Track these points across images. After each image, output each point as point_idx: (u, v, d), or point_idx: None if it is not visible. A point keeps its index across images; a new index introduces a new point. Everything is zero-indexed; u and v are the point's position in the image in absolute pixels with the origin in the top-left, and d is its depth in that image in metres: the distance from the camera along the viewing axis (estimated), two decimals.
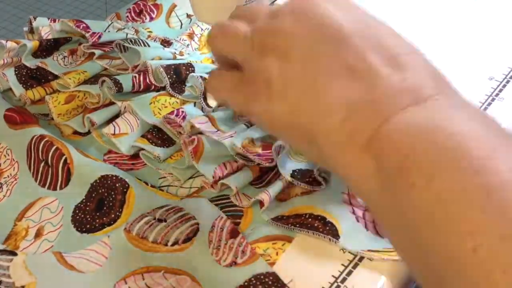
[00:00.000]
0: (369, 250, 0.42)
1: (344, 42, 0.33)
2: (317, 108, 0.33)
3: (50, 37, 0.63)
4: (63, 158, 0.51)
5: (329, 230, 0.43)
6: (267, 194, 0.45)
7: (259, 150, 0.47)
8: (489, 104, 0.52)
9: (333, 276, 0.41)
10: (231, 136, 0.48)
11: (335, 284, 0.41)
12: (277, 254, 0.43)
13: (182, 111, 0.52)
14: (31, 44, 0.60)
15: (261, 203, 0.45)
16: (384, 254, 0.41)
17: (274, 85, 0.34)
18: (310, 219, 0.44)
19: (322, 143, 0.33)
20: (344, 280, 0.41)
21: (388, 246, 0.42)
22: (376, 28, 0.34)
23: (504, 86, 0.53)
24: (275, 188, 0.46)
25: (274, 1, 0.53)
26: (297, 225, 0.44)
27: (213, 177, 0.47)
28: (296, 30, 0.34)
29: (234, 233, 0.45)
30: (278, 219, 0.45)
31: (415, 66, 0.33)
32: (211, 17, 0.50)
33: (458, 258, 0.26)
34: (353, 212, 0.45)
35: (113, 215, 0.47)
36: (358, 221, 0.44)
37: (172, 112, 0.52)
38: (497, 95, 0.53)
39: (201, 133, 0.50)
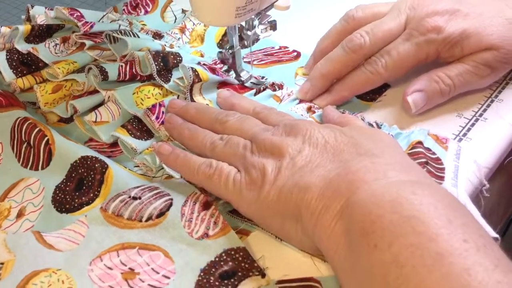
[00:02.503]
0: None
1: (326, 147, 0.41)
2: (300, 186, 0.39)
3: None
4: (45, 139, 0.52)
5: None
6: None
7: None
8: (488, 105, 0.52)
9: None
10: None
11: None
12: None
13: (163, 112, 0.53)
14: (23, 28, 0.61)
15: None
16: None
17: (267, 176, 0.41)
18: None
19: (304, 215, 0.39)
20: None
21: None
22: (351, 134, 0.42)
23: (503, 88, 0.54)
24: None
25: (274, 2, 0.53)
26: (251, 219, 0.45)
27: (181, 176, 0.48)
28: (290, 142, 0.43)
29: (207, 206, 0.45)
30: (235, 211, 0.46)
31: (384, 154, 0.39)
32: (212, 18, 0.50)
33: None
34: None
35: (91, 195, 0.48)
36: None
37: (153, 109, 0.52)
38: (496, 96, 0.53)
39: None
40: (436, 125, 0.50)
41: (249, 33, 0.55)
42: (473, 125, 0.50)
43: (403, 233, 0.32)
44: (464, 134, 0.49)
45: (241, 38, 0.56)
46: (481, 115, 0.51)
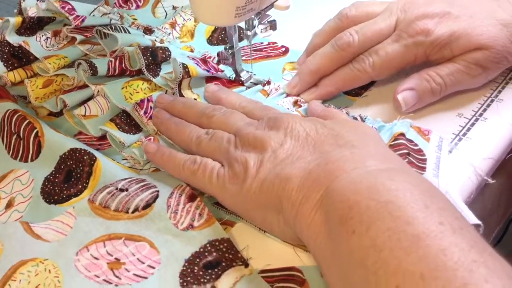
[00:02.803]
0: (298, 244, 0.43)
1: (307, 139, 0.42)
2: (281, 177, 0.40)
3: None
4: (35, 131, 0.53)
5: None
6: None
7: None
8: (488, 105, 0.52)
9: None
10: None
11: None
12: None
13: (151, 107, 0.53)
14: (14, 20, 0.62)
15: None
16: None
17: (250, 170, 0.42)
18: None
19: (285, 206, 0.39)
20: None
21: None
22: (332, 126, 0.43)
23: (503, 87, 0.54)
24: None
25: (274, 1, 0.53)
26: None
27: None
28: (272, 135, 0.44)
29: (192, 198, 0.46)
30: (220, 204, 0.47)
31: (364, 145, 0.40)
32: (211, 18, 0.50)
33: None
34: None
35: (80, 186, 0.49)
36: None
37: (142, 104, 0.53)
38: (496, 96, 0.53)
39: None
40: (435, 124, 0.50)
41: (249, 33, 0.56)
42: (473, 124, 0.50)
43: (380, 217, 0.32)
44: (464, 134, 0.49)
45: (240, 39, 0.57)
46: (481, 114, 0.51)
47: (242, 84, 0.58)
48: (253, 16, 0.53)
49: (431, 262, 0.30)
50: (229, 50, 0.56)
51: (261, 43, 0.62)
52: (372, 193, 0.34)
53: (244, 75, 0.58)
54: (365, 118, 0.51)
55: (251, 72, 0.58)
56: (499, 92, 0.53)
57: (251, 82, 0.58)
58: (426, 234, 0.31)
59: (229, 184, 0.43)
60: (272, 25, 0.56)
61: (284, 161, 0.41)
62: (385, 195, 0.33)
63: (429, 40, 0.50)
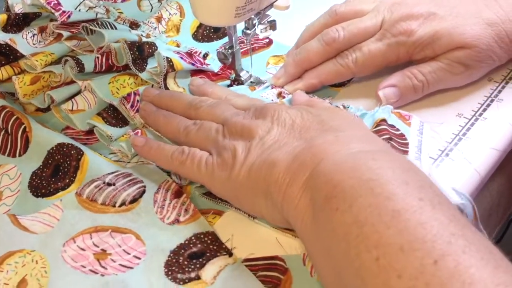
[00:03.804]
0: (286, 229, 0.44)
1: (293, 126, 0.44)
2: (268, 162, 0.41)
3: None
4: (22, 126, 0.53)
5: None
6: None
7: None
8: (488, 105, 0.52)
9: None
10: None
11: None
12: None
13: (137, 100, 0.54)
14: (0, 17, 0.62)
15: None
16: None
17: (238, 157, 0.43)
18: None
19: (273, 190, 0.40)
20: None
21: None
22: (317, 113, 0.45)
23: (503, 87, 0.54)
24: None
25: (274, 1, 0.54)
26: (224, 200, 0.46)
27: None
28: (259, 123, 0.45)
29: (178, 194, 0.47)
30: (209, 193, 0.47)
31: (349, 131, 0.42)
32: (211, 18, 0.50)
33: (363, 268, 0.31)
34: None
35: (67, 180, 0.49)
36: None
37: (129, 98, 0.54)
38: (496, 96, 0.53)
39: None
40: (435, 124, 0.51)
41: (248, 31, 0.56)
42: (473, 124, 0.50)
43: (362, 194, 0.34)
44: (464, 134, 0.50)
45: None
46: (481, 114, 0.51)
47: (228, 78, 0.59)
48: (253, 16, 0.53)
49: (410, 234, 0.31)
50: (229, 50, 0.56)
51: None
52: (354, 172, 0.35)
53: (244, 75, 0.58)
54: (348, 107, 0.52)
55: (250, 72, 0.59)
56: (499, 92, 0.53)
57: (251, 82, 0.58)
58: (406, 209, 0.32)
59: (218, 171, 0.44)
60: (272, 25, 0.56)
61: (271, 147, 0.43)
62: (367, 174, 0.35)
63: (411, 40, 0.51)
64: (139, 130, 0.53)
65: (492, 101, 0.53)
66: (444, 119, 0.51)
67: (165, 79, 0.55)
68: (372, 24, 0.53)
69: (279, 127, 0.44)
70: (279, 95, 0.55)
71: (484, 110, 0.52)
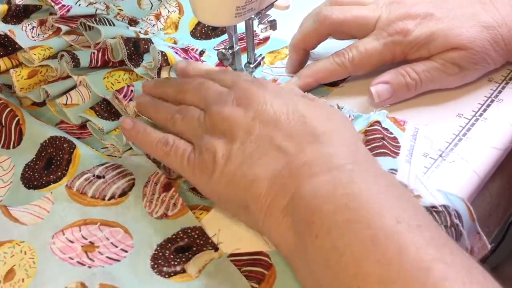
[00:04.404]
0: None
1: (277, 126, 0.42)
2: (248, 178, 0.40)
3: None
4: (16, 119, 0.54)
5: None
6: None
7: None
8: (488, 105, 0.52)
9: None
10: None
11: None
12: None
13: (132, 90, 0.54)
14: (0, 8, 0.63)
15: None
16: None
17: (218, 161, 0.42)
18: None
19: (253, 208, 0.40)
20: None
21: None
22: (304, 111, 0.42)
23: (503, 88, 0.54)
24: None
25: (274, 1, 0.54)
26: None
27: (146, 154, 0.50)
28: (240, 119, 0.43)
29: (167, 187, 0.47)
30: (196, 189, 0.48)
31: (332, 141, 0.40)
32: (211, 18, 0.50)
33: None
34: None
35: (59, 173, 0.50)
36: None
37: (122, 89, 0.54)
38: (496, 96, 0.53)
39: None
40: (435, 124, 0.51)
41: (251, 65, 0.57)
42: (473, 125, 0.50)
43: (339, 221, 0.34)
44: (464, 134, 0.50)
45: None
46: (481, 115, 0.51)
47: None
48: (253, 16, 0.53)
49: (388, 264, 0.30)
50: (229, 50, 0.56)
51: (243, 32, 0.63)
52: (331, 197, 0.35)
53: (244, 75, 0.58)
54: (342, 108, 0.52)
55: (251, 72, 0.59)
56: (499, 92, 0.53)
57: None
58: (383, 233, 0.32)
59: (199, 172, 0.43)
60: (272, 25, 0.56)
61: (251, 156, 0.41)
62: (344, 198, 0.35)
63: (407, 40, 0.51)
64: (127, 117, 0.52)
65: (492, 101, 0.53)
66: (444, 119, 0.51)
67: (159, 74, 0.56)
68: (367, 15, 0.53)
69: (261, 125, 0.42)
70: (274, 82, 0.55)
71: (484, 110, 0.52)
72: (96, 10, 0.64)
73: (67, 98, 0.55)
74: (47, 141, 0.52)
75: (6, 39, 0.62)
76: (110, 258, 0.43)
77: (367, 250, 0.32)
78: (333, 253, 0.33)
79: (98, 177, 0.48)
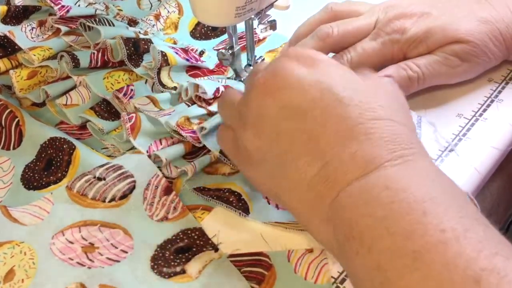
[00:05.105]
0: (276, 222, 0.44)
1: (307, 120, 0.37)
2: (285, 182, 0.38)
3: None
4: (16, 120, 0.54)
5: (242, 206, 0.46)
6: (193, 166, 0.48)
7: (195, 128, 0.49)
8: (488, 105, 0.52)
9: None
10: (169, 114, 0.51)
11: None
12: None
13: (132, 89, 0.54)
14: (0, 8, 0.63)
15: None
16: (288, 226, 0.44)
17: (253, 157, 0.40)
18: (227, 193, 0.47)
19: (293, 212, 0.39)
20: None
21: (292, 219, 0.44)
22: (340, 98, 0.37)
23: (503, 88, 0.54)
24: (204, 160, 0.49)
25: (274, 1, 0.54)
26: (214, 197, 0.47)
27: (147, 151, 0.50)
28: (265, 111, 0.38)
29: (167, 191, 0.47)
30: (200, 189, 0.48)
31: (370, 135, 0.35)
32: (211, 18, 0.50)
33: None
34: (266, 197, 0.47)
35: (59, 174, 0.50)
36: (269, 203, 0.47)
37: (121, 89, 0.54)
38: (496, 96, 0.53)
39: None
40: (435, 124, 0.51)
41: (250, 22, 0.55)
42: (473, 125, 0.50)
43: (378, 236, 0.32)
44: (464, 134, 0.50)
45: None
46: (481, 115, 0.51)
47: (224, 75, 0.59)
48: (253, 16, 0.53)
49: (435, 279, 0.29)
50: (229, 50, 0.56)
51: (242, 32, 0.63)
52: (368, 209, 0.33)
53: (244, 75, 0.58)
54: None
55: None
56: (499, 92, 0.53)
57: None
58: (427, 248, 0.30)
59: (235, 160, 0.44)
60: (272, 25, 0.56)
61: (281, 159, 0.38)
62: (381, 211, 0.32)
63: (405, 37, 0.51)
64: (134, 114, 0.52)
65: (492, 101, 0.53)
66: (444, 119, 0.51)
67: (159, 74, 0.56)
68: (366, 23, 0.53)
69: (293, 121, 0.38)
70: None
71: (484, 110, 0.52)
72: (96, 11, 0.64)
73: (67, 99, 0.55)
74: (47, 142, 0.52)
75: (5, 40, 0.62)
76: (110, 259, 0.43)
77: (412, 266, 0.30)
78: (376, 272, 0.31)
79: (99, 179, 0.48)
